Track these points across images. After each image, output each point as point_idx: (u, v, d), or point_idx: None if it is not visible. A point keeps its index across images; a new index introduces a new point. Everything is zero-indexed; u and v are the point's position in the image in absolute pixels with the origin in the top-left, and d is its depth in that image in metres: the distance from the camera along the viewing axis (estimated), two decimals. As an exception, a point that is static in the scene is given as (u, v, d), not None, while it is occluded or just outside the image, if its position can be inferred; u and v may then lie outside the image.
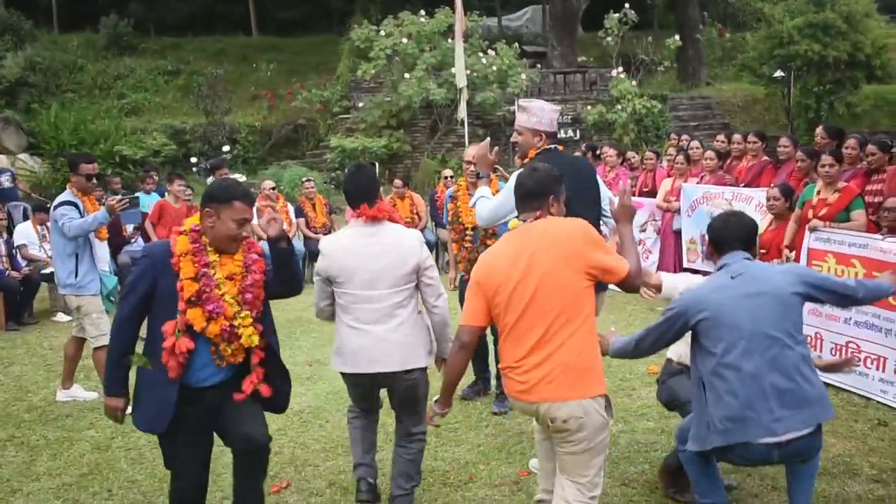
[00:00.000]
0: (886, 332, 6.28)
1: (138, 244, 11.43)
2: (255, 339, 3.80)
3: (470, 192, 6.53)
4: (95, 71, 26.18)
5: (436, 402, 4.02)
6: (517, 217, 3.93)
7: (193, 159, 20.81)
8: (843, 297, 4.07)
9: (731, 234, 4.04)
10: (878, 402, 6.26)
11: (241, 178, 17.00)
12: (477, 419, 6.20)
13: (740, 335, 3.77)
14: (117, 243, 11.41)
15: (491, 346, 6.15)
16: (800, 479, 4.00)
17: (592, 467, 3.65)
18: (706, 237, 5.39)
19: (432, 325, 4.53)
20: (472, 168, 6.44)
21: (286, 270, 3.92)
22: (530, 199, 3.80)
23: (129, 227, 11.36)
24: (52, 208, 6.80)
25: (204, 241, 3.76)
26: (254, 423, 3.89)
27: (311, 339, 8.67)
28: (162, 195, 12.70)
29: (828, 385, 5.01)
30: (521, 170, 4.11)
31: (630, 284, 3.76)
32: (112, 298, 7.07)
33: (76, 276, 6.64)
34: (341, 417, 6.29)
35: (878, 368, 6.33)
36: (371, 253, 4.26)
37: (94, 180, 7.05)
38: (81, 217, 6.61)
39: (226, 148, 21.12)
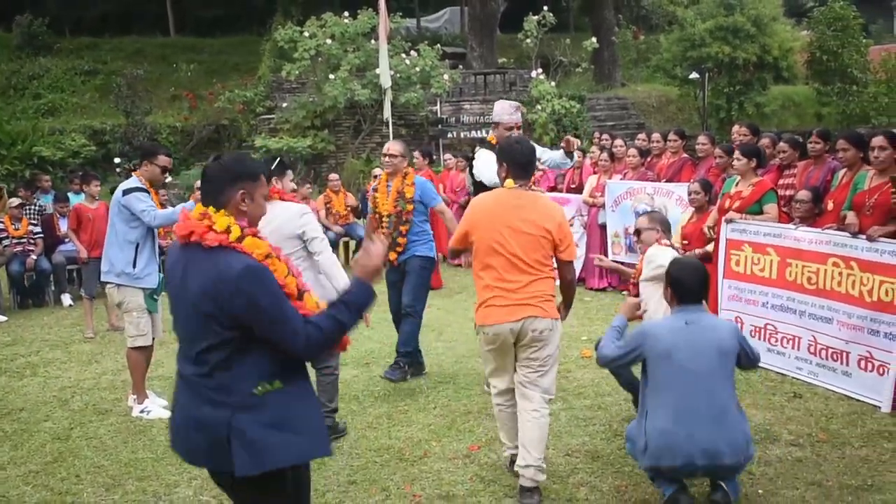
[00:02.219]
0: (800, 313, 6.80)
1: (72, 244, 11.41)
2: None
3: (389, 184, 7.06)
4: (10, 71, 25.60)
5: None
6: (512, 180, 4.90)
7: (117, 160, 20.59)
8: (748, 360, 4.65)
9: (694, 288, 4.60)
10: (793, 377, 6.77)
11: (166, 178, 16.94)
12: (424, 402, 6.51)
13: (685, 375, 4.37)
14: (51, 242, 11.41)
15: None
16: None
17: (550, 375, 4.82)
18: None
19: (322, 268, 5.51)
20: (386, 159, 7.02)
21: None
22: (529, 167, 4.98)
23: (64, 227, 11.34)
24: (121, 193, 6.41)
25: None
26: None
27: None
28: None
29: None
30: (510, 142, 5.20)
31: (566, 264, 4.93)
32: (155, 297, 6.55)
33: (134, 265, 6.33)
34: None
35: (793, 347, 6.84)
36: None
37: (168, 175, 6.83)
38: None
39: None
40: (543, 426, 4.75)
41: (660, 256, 5.59)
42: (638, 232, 6.01)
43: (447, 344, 8.29)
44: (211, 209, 3.16)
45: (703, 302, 4.72)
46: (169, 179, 17.13)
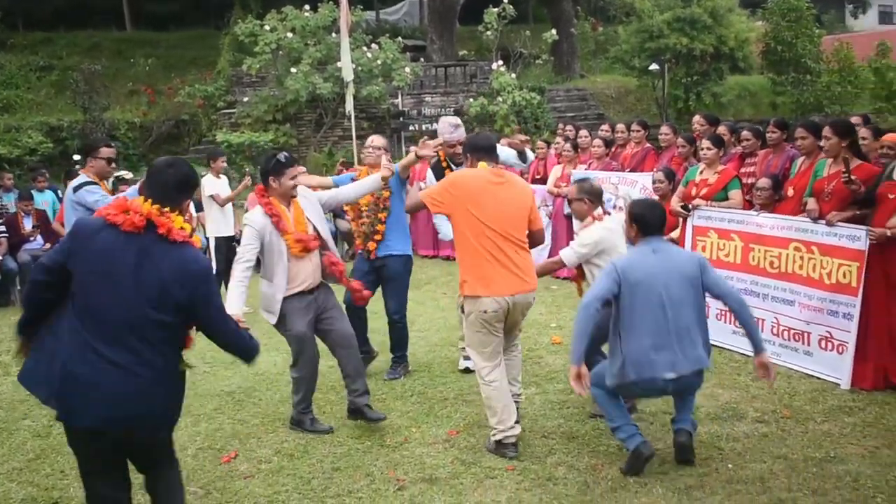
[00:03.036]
0: (763, 296, 7.04)
1: (37, 242, 11.39)
2: None
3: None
4: (-39, 67, 25.26)
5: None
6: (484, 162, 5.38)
7: (76, 157, 20.36)
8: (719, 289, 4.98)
9: (655, 222, 5.00)
10: (758, 359, 7.01)
11: (126, 174, 16.84)
12: (401, 391, 6.65)
13: (655, 297, 4.72)
14: (15, 241, 11.35)
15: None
16: (685, 398, 5.05)
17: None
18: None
19: None
20: (370, 150, 7.08)
21: None
22: (492, 150, 5.49)
23: (28, 226, 11.29)
24: (71, 191, 6.39)
25: None
26: None
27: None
28: (55, 192, 12.65)
29: (714, 346, 5.67)
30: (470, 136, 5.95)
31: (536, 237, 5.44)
32: None
33: None
34: (273, 395, 6.68)
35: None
36: None
37: (114, 164, 6.76)
38: None
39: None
40: (520, 360, 5.71)
41: (585, 237, 5.77)
42: (570, 201, 6.20)
43: (419, 333, 8.42)
44: (167, 209, 3.62)
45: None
46: (130, 175, 17.06)
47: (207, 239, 10.47)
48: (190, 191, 3.79)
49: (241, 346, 3.93)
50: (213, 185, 10.54)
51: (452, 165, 6.92)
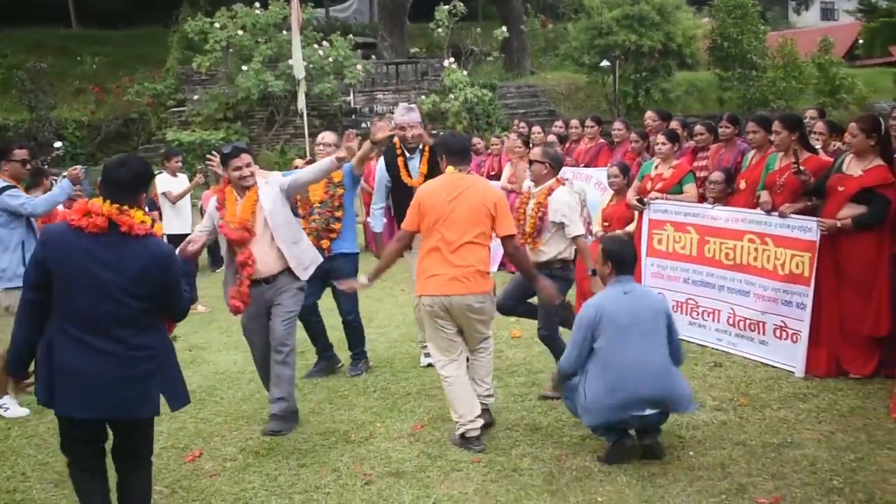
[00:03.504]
0: (719, 287, 7.18)
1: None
2: None
3: None
4: None
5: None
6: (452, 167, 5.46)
7: (23, 156, 20.04)
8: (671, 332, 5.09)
9: (630, 260, 5.11)
10: (714, 348, 7.16)
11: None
12: (363, 387, 6.66)
13: (628, 336, 4.86)
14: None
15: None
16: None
17: (489, 329, 5.57)
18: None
19: None
20: (320, 148, 7.04)
21: None
22: (465, 154, 5.56)
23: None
24: None
25: None
26: None
27: (183, 328, 8.83)
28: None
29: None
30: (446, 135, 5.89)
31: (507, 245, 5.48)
32: None
33: (24, 264, 6.04)
34: (234, 393, 6.66)
35: (713, 320, 7.23)
36: None
37: (29, 166, 6.63)
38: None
39: (58, 144, 20.43)
40: (491, 359, 5.69)
41: (572, 203, 6.03)
42: (531, 162, 6.28)
43: (379, 330, 8.44)
44: (126, 206, 3.79)
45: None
46: (81, 170, 16.80)
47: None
48: (144, 185, 3.98)
49: (185, 312, 4.16)
50: (167, 183, 10.43)
51: (406, 152, 6.92)
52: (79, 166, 6.91)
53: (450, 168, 5.47)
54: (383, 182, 7.05)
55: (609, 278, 5.08)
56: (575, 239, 5.97)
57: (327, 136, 7.12)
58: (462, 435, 5.30)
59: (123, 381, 3.79)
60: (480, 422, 5.33)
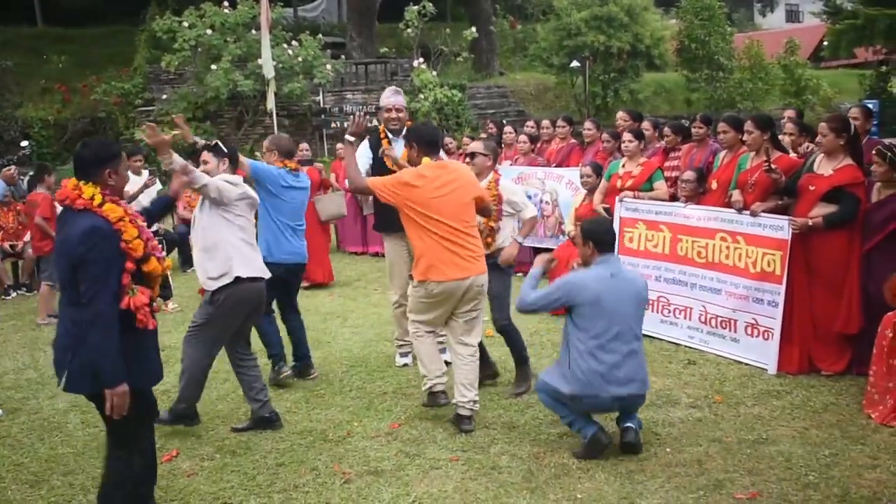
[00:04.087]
0: (691, 286, 7.25)
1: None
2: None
3: None
4: None
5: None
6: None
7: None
8: None
9: (609, 238, 5.29)
10: (686, 346, 7.22)
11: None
12: (339, 386, 6.65)
13: (612, 322, 4.96)
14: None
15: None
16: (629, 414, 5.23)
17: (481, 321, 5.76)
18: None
19: None
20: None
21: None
22: (435, 144, 5.74)
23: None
24: None
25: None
26: None
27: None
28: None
29: (645, 335, 5.79)
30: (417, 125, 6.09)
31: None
32: None
33: None
34: (209, 392, 6.58)
35: (685, 318, 7.29)
36: None
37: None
38: None
39: (24, 143, 20.22)
40: (477, 367, 5.71)
41: (518, 190, 6.55)
42: (473, 155, 6.39)
43: (353, 329, 8.43)
44: (82, 183, 3.97)
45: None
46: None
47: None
48: (105, 162, 4.02)
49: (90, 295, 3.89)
50: (133, 182, 10.33)
51: (390, 135, 6.92)
52: (13, 166, 6.88)
53: (426, 159, 5.61)
54: (364, 159, 6.80)
55: (592, 258, 5.18)
56: (531, 220, 6.29)
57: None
58: (430, 391, 5.61)
59: (58, 350, 4.02)
60: (445, 378, 5.63)
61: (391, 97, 6.98)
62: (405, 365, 6.96)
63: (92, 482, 5.02)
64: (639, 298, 5.12)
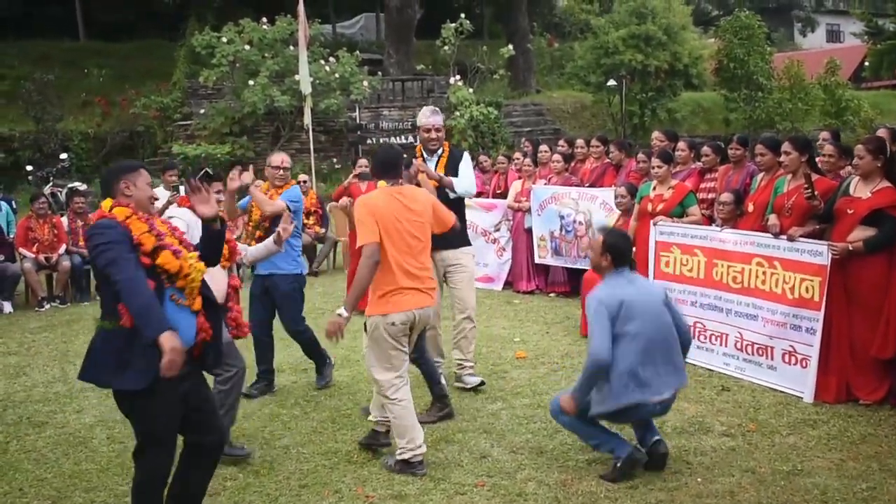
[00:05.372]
0: (727, 311, 7.10)
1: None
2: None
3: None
4: None
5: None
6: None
7: (28, 167, 20.06)
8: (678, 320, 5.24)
9: (628, 253, 5.21)
10: (721, 372, 7.07)
11: (81, 186, 16.60)
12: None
13: (644, 322, 4.92)
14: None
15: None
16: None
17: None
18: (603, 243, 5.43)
19: None
20: (281, 173, 7.03)
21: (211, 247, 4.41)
22: (392, 168, 5.45)
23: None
24: None
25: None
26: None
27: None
28: (10, 203, 12.40)
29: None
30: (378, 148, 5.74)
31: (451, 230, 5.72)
32: None
33: None
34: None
35: (721, 344, 7.14)
36: None
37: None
38: None
39: (63, 156, 20.48)
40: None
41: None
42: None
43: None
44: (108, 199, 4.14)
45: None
46: (84, 187, 16.73)
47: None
48: (119, 176, 4.13)
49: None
50: (163, 196, 10.39)
51: (425, 154, 6.90)
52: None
53: (381, 183, 5.41)
54: None
55: (608, 270, 5.13)
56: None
57: (286, 160, 7.11)
58: (405, 460, 5.21)
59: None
60: (425, 448, 5.28)
61: (430, 117, 6.91)
62: (482, 383, 6.87)
63: (115, 499, 5.01)
64: (662, 300, 5.14)
